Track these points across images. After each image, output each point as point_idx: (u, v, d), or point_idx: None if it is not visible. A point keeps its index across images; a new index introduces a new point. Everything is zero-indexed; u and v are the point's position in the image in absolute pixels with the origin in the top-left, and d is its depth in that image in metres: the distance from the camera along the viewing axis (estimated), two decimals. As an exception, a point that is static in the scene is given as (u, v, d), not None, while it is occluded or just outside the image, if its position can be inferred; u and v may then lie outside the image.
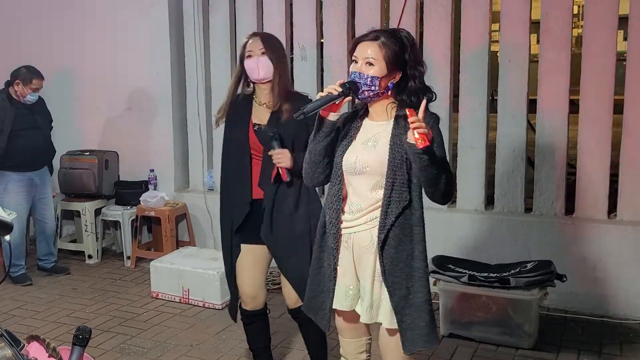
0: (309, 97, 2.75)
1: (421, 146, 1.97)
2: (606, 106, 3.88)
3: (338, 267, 2.24)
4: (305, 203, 2.72)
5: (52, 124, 4.86)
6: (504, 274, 3.52)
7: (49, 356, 2.10)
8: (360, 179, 2.18)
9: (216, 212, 4.97)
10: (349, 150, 2.20)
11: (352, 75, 2.15)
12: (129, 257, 5.09)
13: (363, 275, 2.21)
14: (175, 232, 5.01)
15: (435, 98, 2.18)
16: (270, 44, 2.73)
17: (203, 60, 5.03)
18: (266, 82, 2.73)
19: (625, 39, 4.01)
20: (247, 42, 2.76)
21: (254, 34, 2.81)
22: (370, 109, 2.23)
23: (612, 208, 3.98)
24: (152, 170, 5.17)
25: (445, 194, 2.14)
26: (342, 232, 2.22)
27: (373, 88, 2.12)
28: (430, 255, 3.75)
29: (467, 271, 3.59)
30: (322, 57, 4.69)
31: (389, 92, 2.16)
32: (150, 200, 4.96)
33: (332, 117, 2.20)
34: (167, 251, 4.82)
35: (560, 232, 3.98)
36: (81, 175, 5.14)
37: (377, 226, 2.15)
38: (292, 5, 4.74)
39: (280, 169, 2.65)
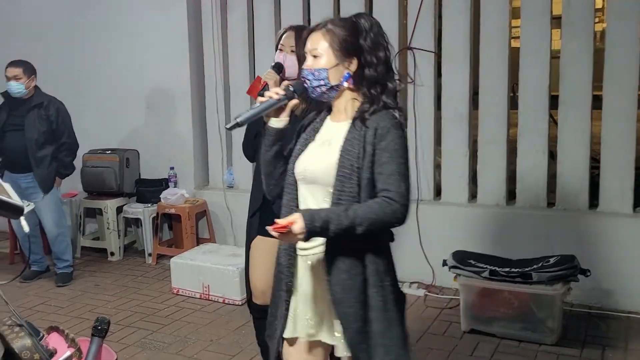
0: None
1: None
2: (630, 100, 3.82)
3: (297, 292, 1.97)
4: None
5: (65, 136, 4.58)
6: (526, 269, 3.47)
7: (68, 346, 2.14)
8: (312, 189, 1.92)
9: (235, 208, 5.06)
10: (302, 155, 1.96)
11: (302, 72, 1.93)
12: (150, 254, 5.13)
13: (326, 299, 1.92)
14: (195, 229, 5.04)
15: (399, 88, 1.94)
16: (303, 42, 2.67)
17: (221, 58, 5.05)
18: (293, 79, 2.63)
19: (649, 32, 3.93)
20: (282, 34, 2.71)
21: (290, 28, 2.72)
22: (333, 107, 1.98)
23: (637, 202, 3.90)
24: (172, 168, 5.21)
25: (389, 226, 1.86)
26: (299, 252, 1.96)
27: (323, 82, 1.88)
28: (451, 250, 3.77)
29: (488, 266, 3.54)
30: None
31: (346, 84, 1.90)
32: (170, 197, 5.00)
33: (275, 123, 1.95)
34: (187, 248, 4.85)
35: (583, 226, 3.92)
36: (103, 173, 5.19)
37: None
38: (309, 2, 4.73)
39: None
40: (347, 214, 1.75)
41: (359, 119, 1.87)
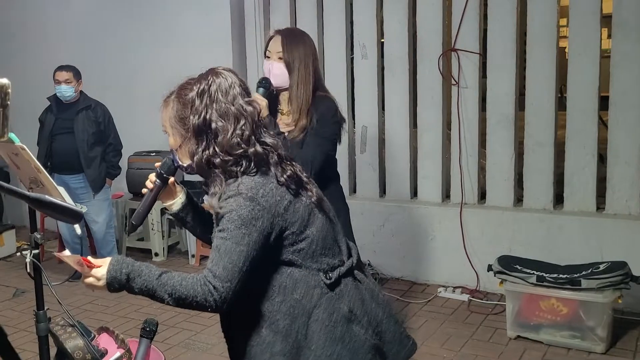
0: (335, 103, 2.53)
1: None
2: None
3: None
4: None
5: (112, 137, 4.75)
6: (575, 275, 3.39)
7: (118, 347, 2.18)
8: None
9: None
10: None
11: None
12: (193, 255, 5.20)
13: None
14: (238, 231, 5.07)
15: (239, 152, 1.60)
16: (292, 47, 2.42)
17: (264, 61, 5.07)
18: (283, 90, 2.48)
19: None
20: (270, 39, 2.51)
21: (278, 32, 2.52)
22: None
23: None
24: (215, 170, 5.25)
25: (202, 308, 1.55)
26: None
27: (178, 163, 1.71)
28: (495, 255, 3.71)
29: (535, 272, 3.47)
30: (382, 56, 4.65)
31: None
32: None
33: (172, 208, 1.84)
34: (230, 250, 4.88)
35: (635, 231, 3.79)
36: (147, 175, 5.27)
37: None
38: (352, 3, 4.72)
39: None
40: (160, 278, 1.54)
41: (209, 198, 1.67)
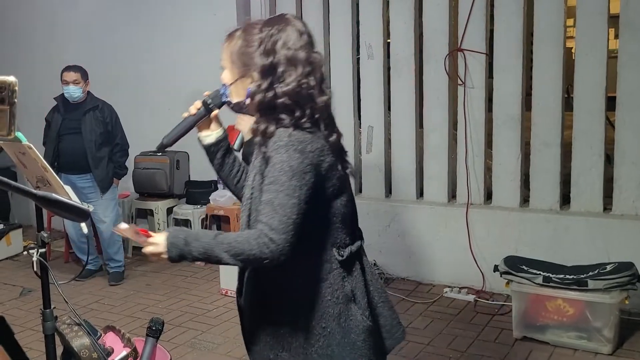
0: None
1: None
2: (693, 100, 3.67)
3: None
4: None
5: (119, 137, 4.75)
6: (581, 276, 3.38)
7: (124, 346, 2.19)
8: None
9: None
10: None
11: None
12: (199, 255, 5.20)
13: None
14: (243, 231, 5.07)
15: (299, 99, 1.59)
16: None
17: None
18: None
19: None
20: None
21: None
22: None
23: (700, 208, 3.75)
24: (221, 170, 5.26)
25: (259, 261, 1.54)
26: None
27: (226, 99, 1.74)
28: (502, 255, 3.70)
29: (541, 272, 3.46)
30: (388, 56, 4.65)
31: (249, 101, 1.69)
32: (219, 199, 5.05)
33: (205, 139, 1.83)
34: (235, 249, 4.89)
35: (642, 233, 3.78)
36: (154, 175, 5.30)
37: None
38: (358, 4, 4.72)
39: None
40: (217, 238, 1.56)
41: (259, 142, 1.65)
